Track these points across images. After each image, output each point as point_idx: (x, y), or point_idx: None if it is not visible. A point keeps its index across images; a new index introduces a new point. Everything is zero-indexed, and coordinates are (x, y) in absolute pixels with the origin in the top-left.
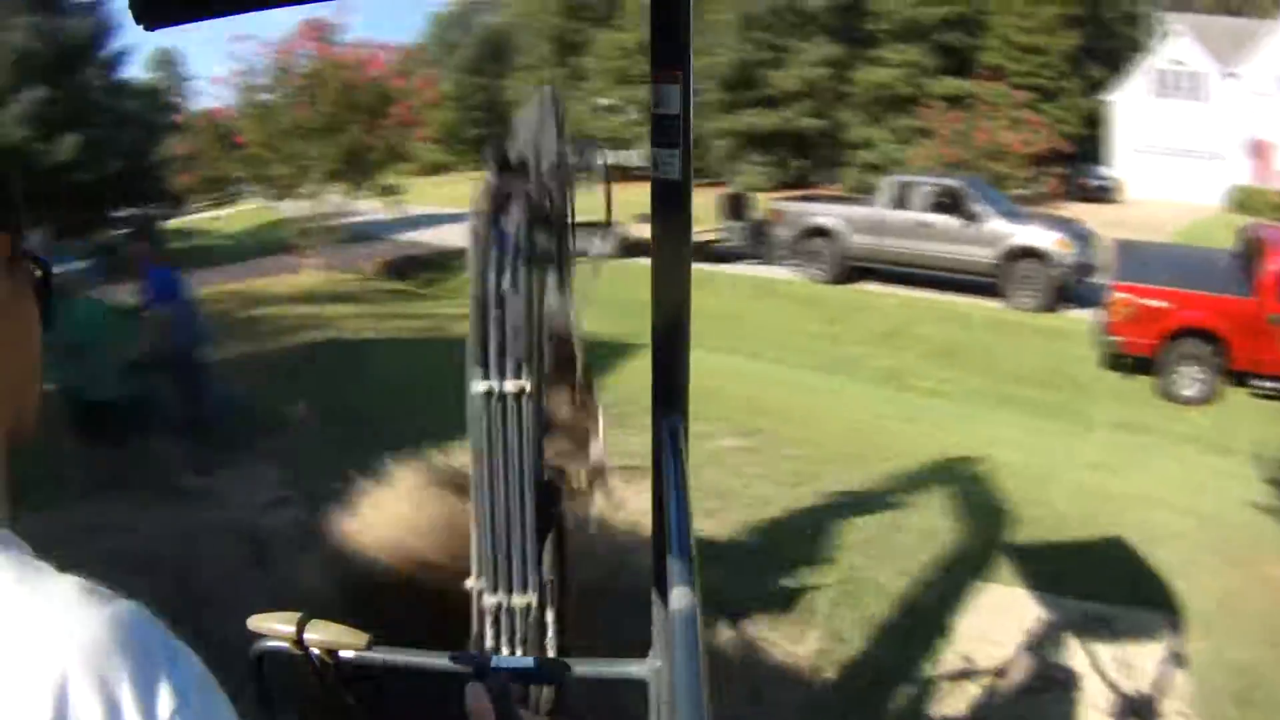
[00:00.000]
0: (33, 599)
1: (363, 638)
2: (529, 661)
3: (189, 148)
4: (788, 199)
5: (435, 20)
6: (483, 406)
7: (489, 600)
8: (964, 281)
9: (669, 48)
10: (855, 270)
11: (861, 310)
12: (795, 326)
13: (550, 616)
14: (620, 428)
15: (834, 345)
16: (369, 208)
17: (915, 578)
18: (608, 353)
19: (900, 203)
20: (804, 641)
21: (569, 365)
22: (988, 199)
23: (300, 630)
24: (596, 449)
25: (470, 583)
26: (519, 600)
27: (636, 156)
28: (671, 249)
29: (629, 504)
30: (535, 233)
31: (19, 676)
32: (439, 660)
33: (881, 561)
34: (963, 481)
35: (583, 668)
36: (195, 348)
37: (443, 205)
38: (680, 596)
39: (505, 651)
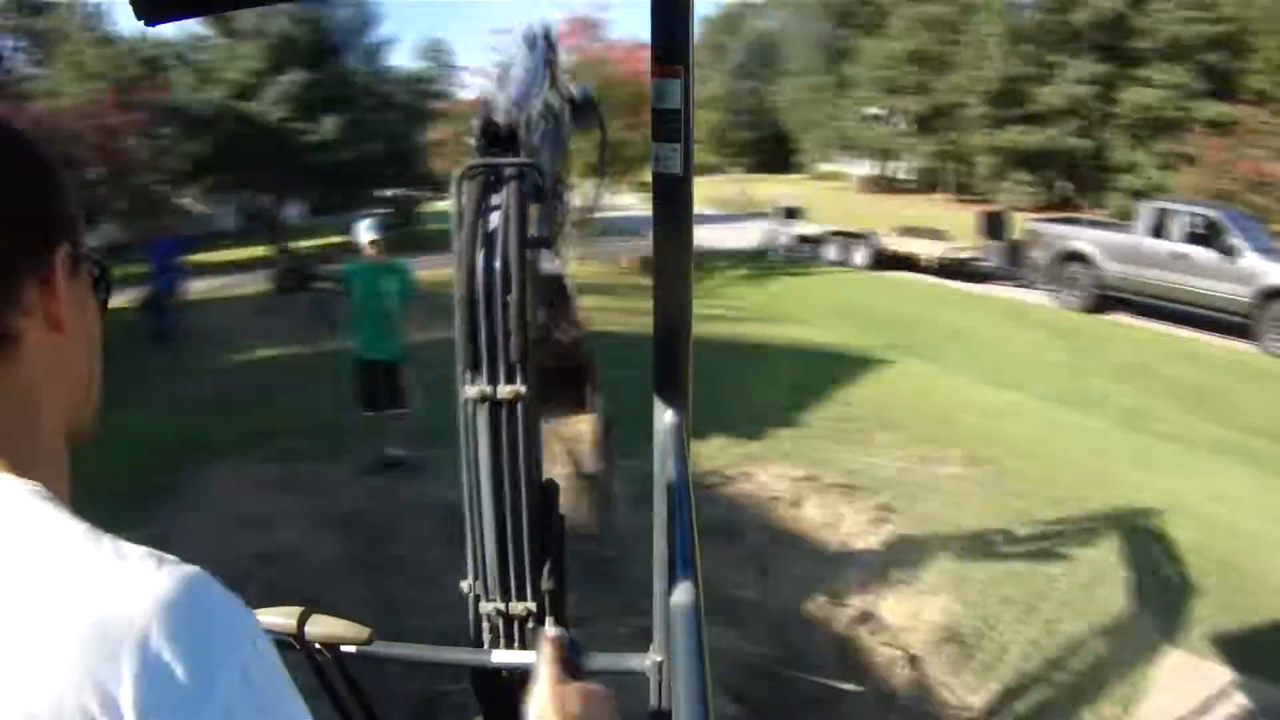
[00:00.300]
0: (110, 560)
1: (364, 632)
2: (529, 656)
3: (449, 134)
4: (1045, 220)
5: (704, 23)
6: (475, 413)
7: (486, 607)
8: (1219, 320)
9: (670, 43)
10: (1108, 299)
11: (1110, 343)
12: (1041, 354)
13: (549, 624)
14: (845, 444)
15: (1077, 378)
16: (627, 203)
17: (1108, 635)
18: (852, 364)
19: (1158, 230)
20: (982, 690)
21: (559, 309)
22: (1246, 233)
23: (301, 624)
24: (587, 424)
25: (465, 586)
26: (517, 608)
27: (904, 169)
28: (673, 244)
29: (845, 520)
30: (528, 217)
31: (102, 628)
32: (439, 654)
33: (1079, 614)
34: (1180, 537)
35: (583, 661)
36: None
37: (705, 205)
38: (682, 590)
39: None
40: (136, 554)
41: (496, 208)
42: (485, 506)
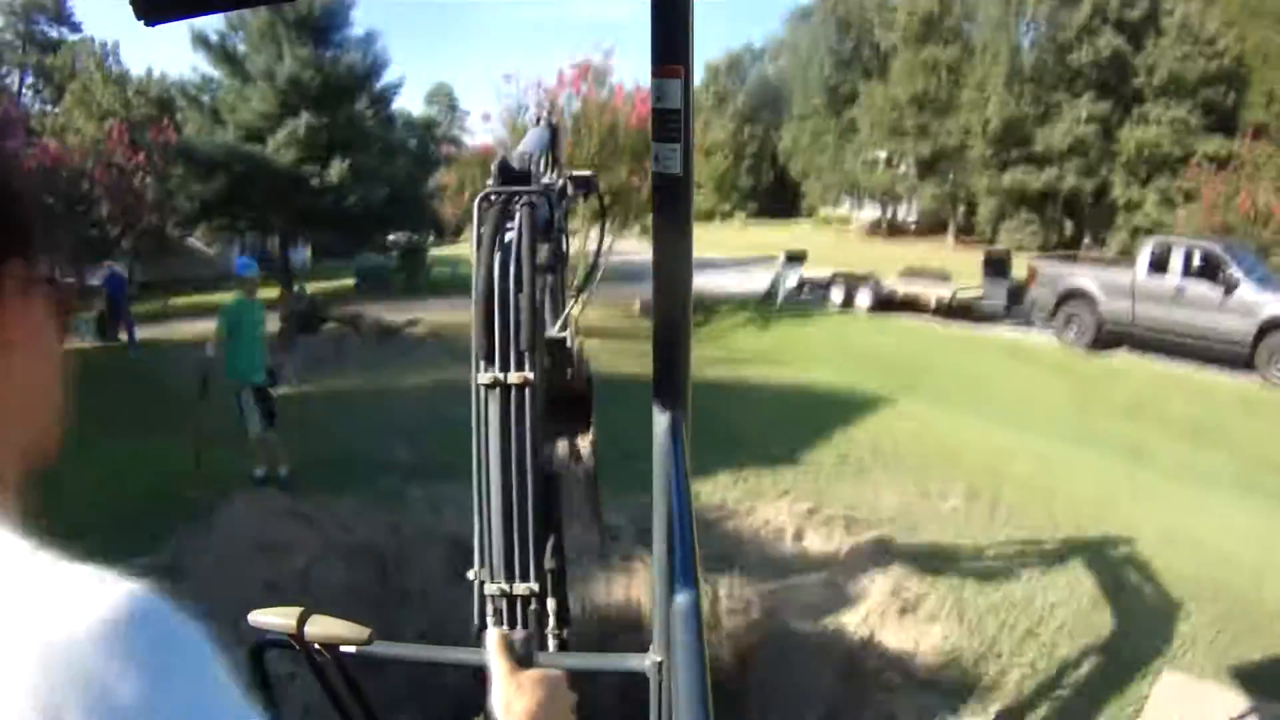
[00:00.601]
0: (53, 578)
1: (364, 632)
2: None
3: (457, 179)
4: (1045, 259)
5: (708, 69)
6: (487, 397)
7: (490, 588)
8: (1220, 354)
9: (671, 43)
10: (1111, 336)
11: (1111, 380)
12: (1043, 393)
13: (551, 605)
14: (847, 480)
15: (1079, 416)
16: (634, 248)
17: (1105, 658)
18: (855, 405)
19: (1158, 266)
20: (983, 713)
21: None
22: (1245, 266)
23: (301, 625)
24: (586, 446)
25: (472, 574)
26: (521, 588)
27: (909, 212)
28: (673, 243)
29: (847, 552)
30: (537, 235)
31: (46, 648)
32: (439, 654)
33: (1077, 639)
34: (1178, 566)
35: (583, 661)
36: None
37: (712, 251)
38: (682, 590)
39: None
40: (80, 572)
41: (511, 225)
42: (493, 487)
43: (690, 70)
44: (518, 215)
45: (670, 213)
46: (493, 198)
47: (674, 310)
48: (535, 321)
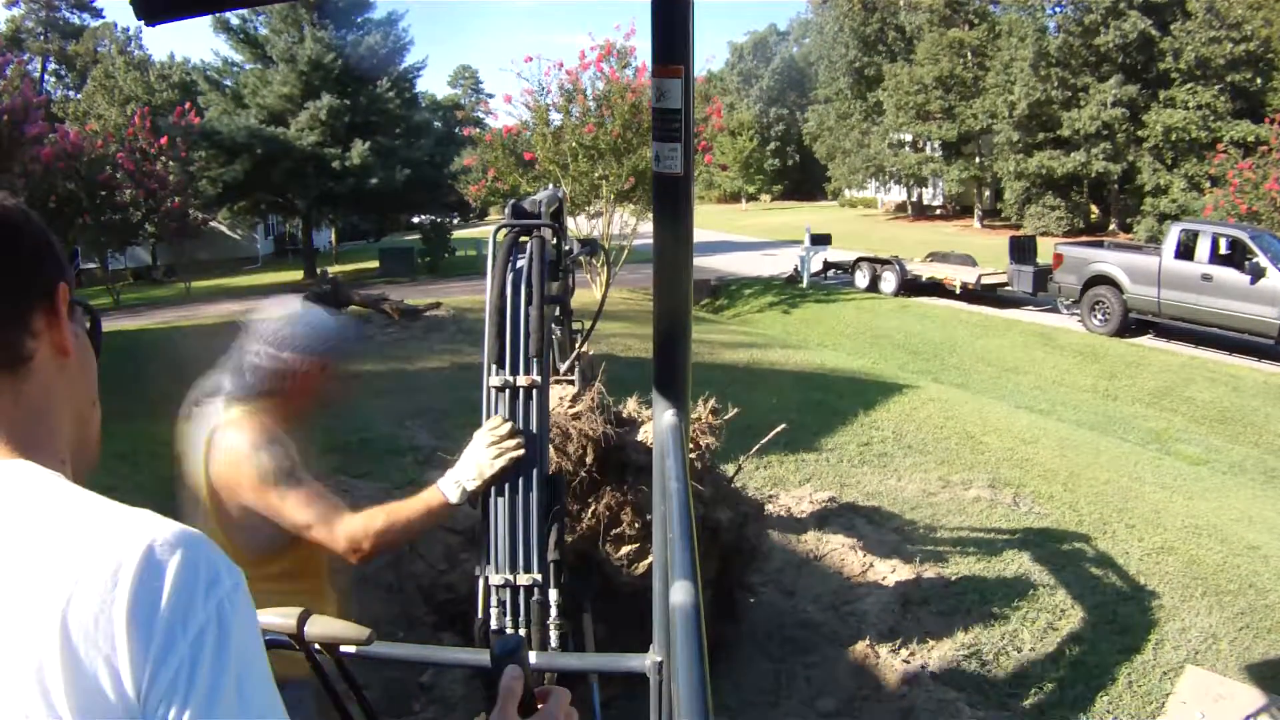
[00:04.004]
0: (122, 510)
1: (364, 632)
2: (529, 657)
3: (480, 161)
4: (1071, 244)
5: (734, 49)
6: (497, 399)
7: (495, 579)
8: (1247, 342)
9: (671, 43)
10: (1136, 322)
11: (1137, 366)
12: (1068, 378)
13: (553, 596)
14: (870, 466)
15: (1105, 402)
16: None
17: (1128, 652)
18: (879, 389)
19: (1184, 252)
20: (1002, 708)
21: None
22: (1272, 253)
23: (300, 625)
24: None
25: (478, 570)
26: (524, 579)
27: (934, 195)
28: (673, 243)
29: (868, 541)
30: (547, 254)
31: (112, 552)
32: (439, 654)
33: (1100, 633)
34: (1203, 557)
35: (583, 661)
36: None
37: (738, 233)
38: (681, 590)
39: (509, 630)
40: (144, 511)
41: (523, 250)
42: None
43: (690, 70)
44: (530, 243)
45: (670, 212)
46: (508, 228)
47: (674, 309)
48: (543, 331)
